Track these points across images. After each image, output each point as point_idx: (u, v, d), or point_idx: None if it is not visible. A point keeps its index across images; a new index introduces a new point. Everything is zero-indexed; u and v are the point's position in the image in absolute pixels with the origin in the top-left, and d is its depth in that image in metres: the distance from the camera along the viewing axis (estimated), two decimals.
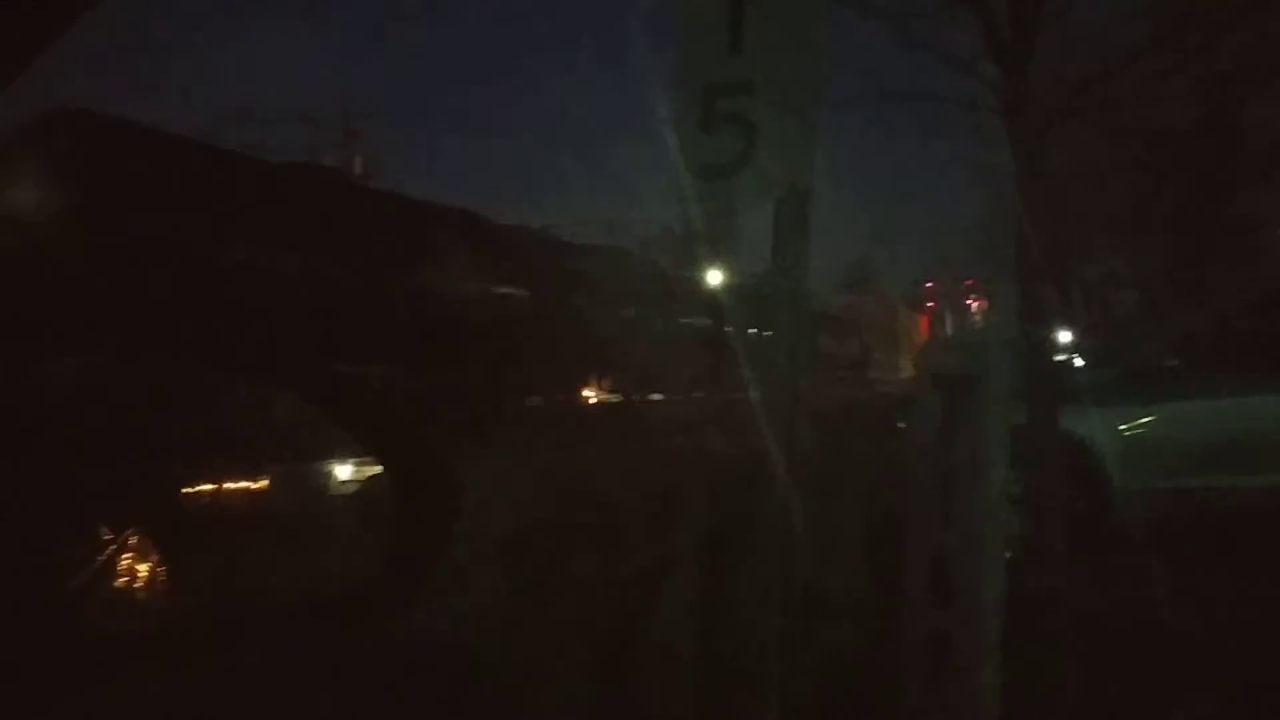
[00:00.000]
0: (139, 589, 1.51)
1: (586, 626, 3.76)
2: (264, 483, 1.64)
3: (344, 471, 1.63)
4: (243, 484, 1.60)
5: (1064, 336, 13.74)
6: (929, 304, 51.31)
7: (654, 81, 3.93)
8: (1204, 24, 7.68)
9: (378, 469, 1.51)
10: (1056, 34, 7.06)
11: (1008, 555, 3.55)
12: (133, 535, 1.56)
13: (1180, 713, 4.18)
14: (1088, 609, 4.85)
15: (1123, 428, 7.77)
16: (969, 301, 45.17)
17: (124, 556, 1.53)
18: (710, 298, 3.40)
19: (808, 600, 3.22)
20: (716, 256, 3.47)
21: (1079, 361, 11.88)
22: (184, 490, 1.56)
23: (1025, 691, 3.59)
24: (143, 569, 1.54)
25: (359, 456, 1.58)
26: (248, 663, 1.49)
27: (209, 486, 1.57)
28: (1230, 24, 8.06)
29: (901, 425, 7.63)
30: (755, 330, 3.33)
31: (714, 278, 3.53)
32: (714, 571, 3.30)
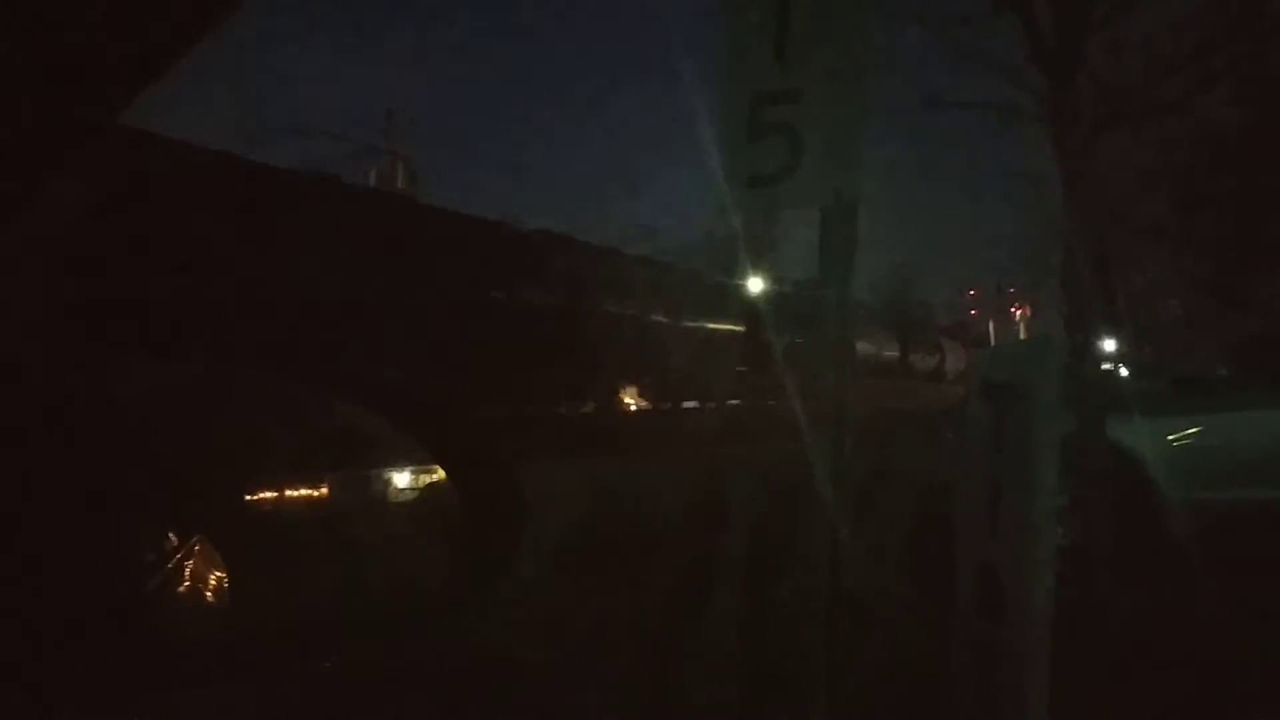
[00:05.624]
0: (205, 594, 1.54)
1: (633, 631, 3.77)
2: (323, 490, 1.67)
3: (402, 479, 1.65)
4: (304, 491, 1.63)
5: (1109, 345, 13.60)
6: (971, 312, 50.93)
7: (700, 90, 3.93)
8: (1253, 30, 7.58)
9: (436, 476, 1.53)
10: (1102, 42, 7.00)
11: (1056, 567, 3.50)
12: (198, 542, 1.59)
13: None
14: (1135, 619, 4.80)
15: (1171, 438, 7.67)
16: (1012, 310, 44.83)
17: (189, 562, 1.57)
18: (752, 306, 3.40)
19: (854, 611, 3.21)
20: (760, 265, 3.47)
21: (1124, 372, 11.74)
22: (247, 497, 1.59)
23: (1073, 704, 3.56)
24: (208, 574, 1.57)
25: (418, 464, 1.61)
26: (312, 669, 1.52)
27: (271, 494, 1.60)
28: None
29: (949, 436, 7.61)
30: (801, 339, 3.32)
31: (757, 285, 3.52)
32: (758, 579, 3.30)
